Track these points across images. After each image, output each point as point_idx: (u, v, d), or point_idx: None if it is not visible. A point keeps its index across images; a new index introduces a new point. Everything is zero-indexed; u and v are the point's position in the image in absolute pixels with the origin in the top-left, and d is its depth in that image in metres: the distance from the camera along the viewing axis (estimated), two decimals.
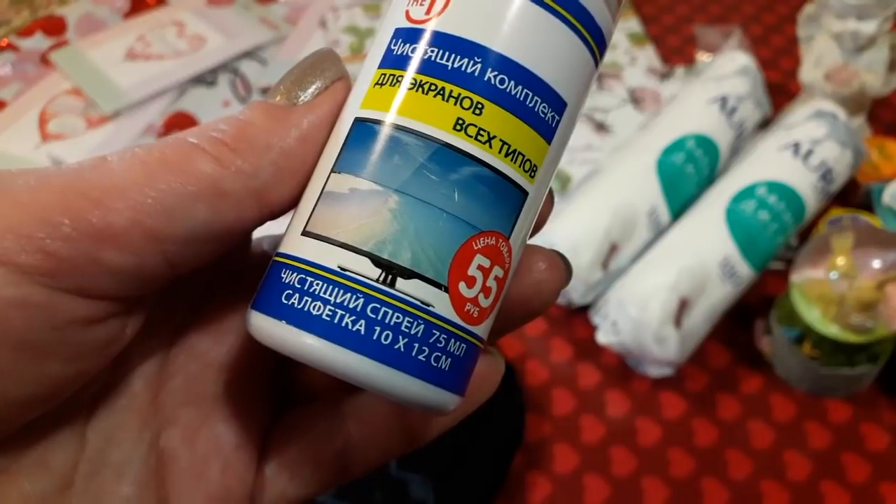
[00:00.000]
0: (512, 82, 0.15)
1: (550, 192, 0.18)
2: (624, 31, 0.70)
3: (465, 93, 0.15)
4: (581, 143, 0.59)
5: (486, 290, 0.15)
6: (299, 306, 0.15)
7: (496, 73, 0.15)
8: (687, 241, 0.45)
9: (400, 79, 0.15)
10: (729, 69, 0.53)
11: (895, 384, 0.45)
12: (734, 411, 0.44)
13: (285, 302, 0.15)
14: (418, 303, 0.14)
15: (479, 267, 0.15)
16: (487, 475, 0.40)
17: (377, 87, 0.16)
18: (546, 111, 0.16)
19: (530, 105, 0.15)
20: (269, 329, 0.15)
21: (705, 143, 0.50)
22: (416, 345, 0.14)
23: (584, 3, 0.16)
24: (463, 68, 0.15)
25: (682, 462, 0.42)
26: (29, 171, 0.14)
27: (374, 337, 0.14)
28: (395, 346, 0.14)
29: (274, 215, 0.16)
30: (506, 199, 0.15)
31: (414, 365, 0.14)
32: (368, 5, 0.72)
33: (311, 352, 0.14)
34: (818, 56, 0.54)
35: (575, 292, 0.47)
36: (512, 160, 0.15)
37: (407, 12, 0.16)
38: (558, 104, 0.16)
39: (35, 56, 0.66)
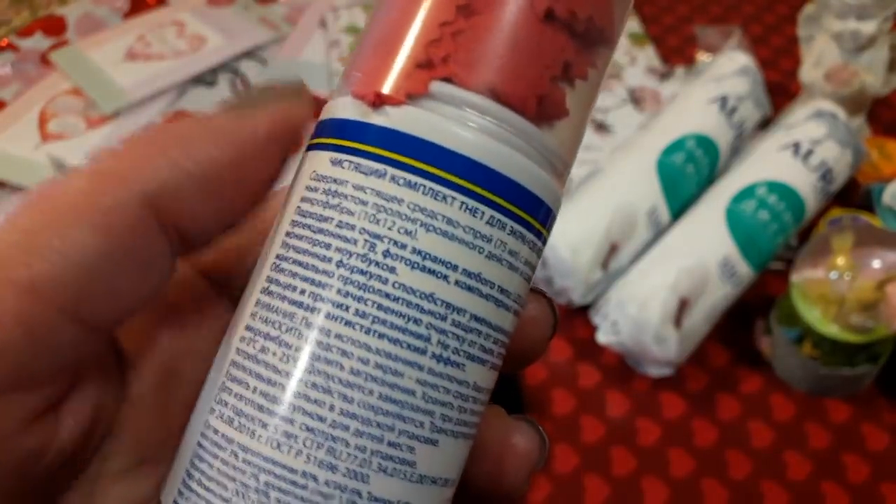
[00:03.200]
0: None
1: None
2: (624, 31, 0.70)
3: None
4: (581, 142, 0.59)
5: None
6: None
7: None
8: (687, 241, 0.45)
9: None
10: (729, 69, 0.53)
11: (895, 384, 0.45)
12: (734, 411, 0.44)
13: None
14: None
15: None
16: None
17: None
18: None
19: None
20: None
21: (705, 143, 0.50)
22: None
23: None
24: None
25: (682, 462, 0.42)
26: None
27: None
28: None
29: (192, 239, 0.13)
30: None
31: None
32: (368, 5, 0.72)
33: None
34: (818, 56, 0.54)
35: (575, 292, 0.47)
36: None
37: None
38: None
39: (35, 56, 0.66)
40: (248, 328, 0.13)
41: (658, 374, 0.45)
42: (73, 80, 0.63)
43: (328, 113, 0.14)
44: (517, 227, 0.14)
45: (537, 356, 0.16)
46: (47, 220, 0.11)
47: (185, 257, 0.14)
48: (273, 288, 0.13)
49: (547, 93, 0.14)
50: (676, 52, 0.68)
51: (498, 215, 0.13)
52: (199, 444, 0.13)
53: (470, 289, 0.13)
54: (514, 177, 0.13)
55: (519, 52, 0.13)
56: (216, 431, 0.13)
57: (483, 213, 0.13)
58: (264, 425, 0.13)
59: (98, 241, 0.12)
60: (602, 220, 0.46)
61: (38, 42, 0.68)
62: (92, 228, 0.12)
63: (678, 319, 0.43)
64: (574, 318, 0.48)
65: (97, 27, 0.69)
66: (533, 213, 0.14)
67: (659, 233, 0.48)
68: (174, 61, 0.65)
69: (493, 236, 0.13)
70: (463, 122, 0.13)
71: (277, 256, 0.13)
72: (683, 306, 0.43)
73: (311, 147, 0.14)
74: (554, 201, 0.14)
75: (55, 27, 0.69)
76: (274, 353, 0.13)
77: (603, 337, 0.44)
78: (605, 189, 0.48)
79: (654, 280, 0.43)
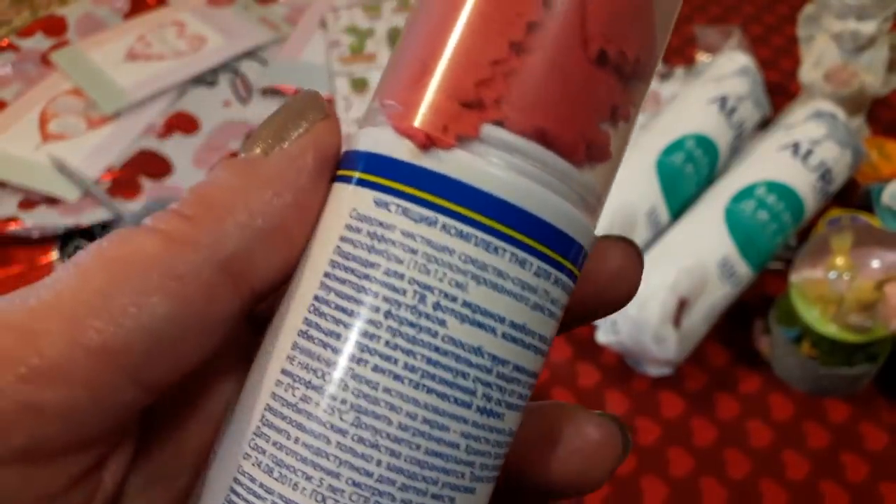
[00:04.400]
0: None
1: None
2: None
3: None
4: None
5: None
6: None
7: None
8: (686, 240, 0.46)
9: None
10: (729, 69, 0.53)
11: (894, 384, 0.45)
12: (733, 411, 0.44)
13: None
14: None
15: None
16: None
17: None
18: None
19: None
20: None
21: (705, 143, 0.50)
22: None
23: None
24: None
25: (682, 461, 0.42)
26: None
27: None
28: None
29: (262, 293, 0.13)
30: None
31: None
32: (368, 5, 0.72)
33: None
34: (818, 56, 0.54)
35: None
36: None
37: None
38: None
39: (35, 56, 0.66)
40: (286, 373, 0.13)
41: (657, 373, 0.45)
42: (74, 80, 0.63)
43: (364, 144, 0.14)
44: (560, 275, 0.13)
45: (617, 309, 0.16)
46: (122, 283, 0.11)
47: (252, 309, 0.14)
48: (313, 332, 0.13)
49: (595, 138, 0.13)
50: (676, 52, 0.68)
51: (545, 266, 0.13)
52: (234, 491, 0.13)
53: (515, 340, 0.13)
54: (561, 227, 0.13)
55: (571, 97, 0.13)
56: (253, 479, 0.13)
57: (532, 264, 0.13)
58: (308, 478, 0.12)
59: (171, 308, 0.12)
60: (601, 219, 0.46)
61: (39, 42, 0.68)
62: (166, 295, 0.12)
63: (677, 319, 0.43)
64: None
65: (97, 27, 0.69)
66: (574, 260, 0.14)
67: (658, 233, 0.48)
68: (174, 61, 0.65)
69: (538, 287, 0.13)
70: (514, 170, 0.13)
71: (316, 298, 0.13)
72: (682, 306, 0.43)
73: (343, 178, 0.13)
74: (591, 245, 0.14)
75: (55, 27, 0.69)
76: (318, 404, 0.12)
77: (602, 336, 0.45)
78: None
79: (654, 280, 0.44)
